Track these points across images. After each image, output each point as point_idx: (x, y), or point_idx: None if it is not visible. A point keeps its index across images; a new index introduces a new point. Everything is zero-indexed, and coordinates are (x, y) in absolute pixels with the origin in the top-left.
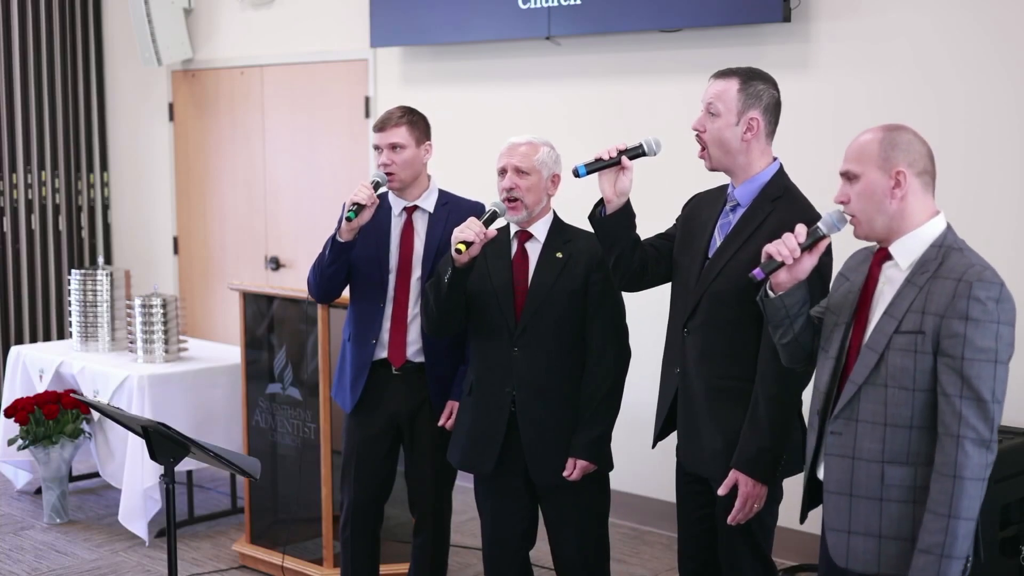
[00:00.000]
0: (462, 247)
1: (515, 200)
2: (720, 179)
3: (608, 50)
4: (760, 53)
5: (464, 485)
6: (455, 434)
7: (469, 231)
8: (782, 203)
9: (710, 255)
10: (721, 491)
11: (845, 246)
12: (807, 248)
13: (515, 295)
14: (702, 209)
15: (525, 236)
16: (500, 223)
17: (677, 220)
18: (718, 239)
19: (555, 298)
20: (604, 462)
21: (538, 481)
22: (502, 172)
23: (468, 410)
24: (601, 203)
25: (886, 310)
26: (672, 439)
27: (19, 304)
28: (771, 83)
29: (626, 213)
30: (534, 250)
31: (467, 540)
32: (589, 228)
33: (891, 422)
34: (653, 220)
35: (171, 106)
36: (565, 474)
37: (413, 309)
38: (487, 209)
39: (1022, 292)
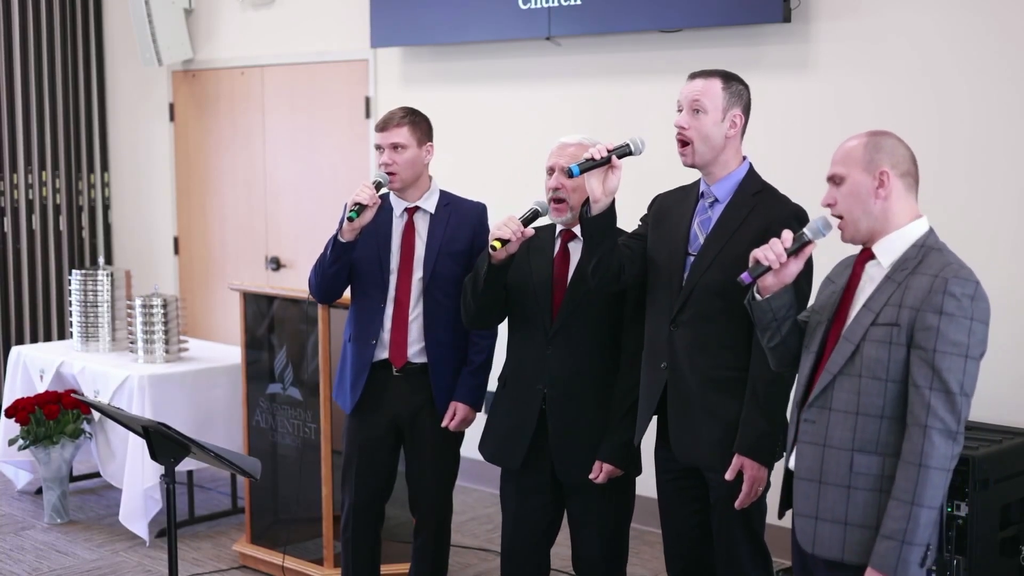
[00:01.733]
0: (497, 244)
1: (560, 201)
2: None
3: (608, 50)
4: (760, 53)
5: (464, 485)
6: (488, 426)
7: (507, 229)
8: (763, 197)
9: (691, 250)
10: (728, 475)
11: (833, 252)
12: (793, 253)
13: (553, 293)
14: (670, 209)
15: (569, 235)
16: (543, 220)
17: (644, 220)
18: (699, 234)
19: (592, 299)
20: (632, 466)
21: (564, 480)
22: (550, 171)
23: (500, 405)
24: (586, 203)
25: (865, 303)
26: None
27: (19, 304)
28: (746, 84)
29: (612, 213)
30: (576, 250)
31: (467, 540)
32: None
33: (863, 411)
34: None
35: (171, 106)
36: (591, 476)
37: (414, 310)
38: (529, 208)
39: (1022, 291)
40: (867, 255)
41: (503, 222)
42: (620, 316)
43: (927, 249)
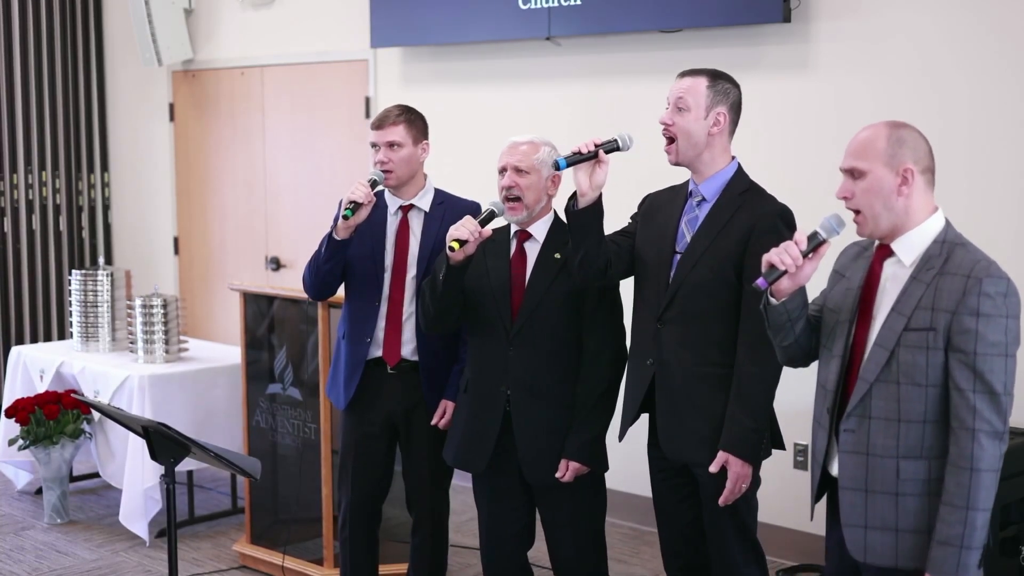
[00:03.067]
0: (456, 245)
1: (515, 200)
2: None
3: (608, 50)
4: (760, 53)
5: (464, 485)
6: (451, 432)
7: (464, 229)
8: (749, 197)
9: (678, 249)
10: (713, 468)
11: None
12: (807, 254)
13: (512, 294)
14: (660, 206)
15: (524, 236)
16: (500, 222)
17: (634, 218)
18: (686, 233)
19: (552, 298)
20: (598, 463)
21: (532, 481)
22: (502, 171)
23: (463, 408)
24: (574, 197)
25: (893, 307)
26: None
27: (20, 304)
28: (735, 84)
29: (598, 207)
30: (533, 250)
31: (467, 540)
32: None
33: (904, 418)
34: None
35: (171, 106)
36: (558, 475)
37: (408, 308)
38: (485, 208)
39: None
40: (885, 252)
41: (460, 223)
42: (580, 314)
43: (950, 245)
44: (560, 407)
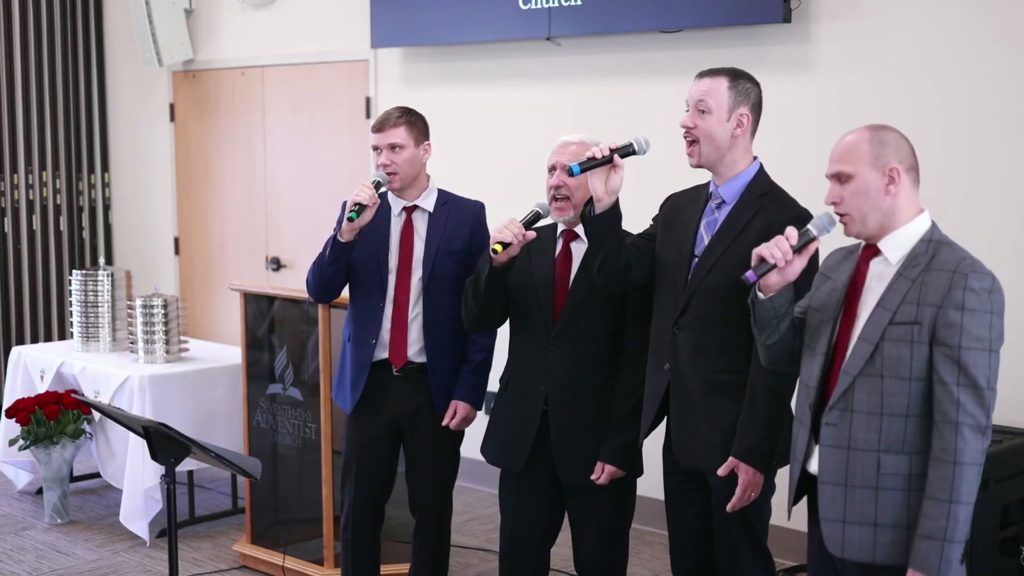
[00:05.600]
0: (499, 247)
1: (563, 199)
2: (702, 177)
3: (608, 50)
4: (760, 53)
5: (464, 485)
6: (490, 429)
7: (508, 232)
8: (769, 199)
9: (696, 252)
10: (721, 471)
11: (826, 242)
12: (798, 250)
13: (555, 294)
14: (682, 208)
15: (571, 235)
16: (546, 221)
17: (655, 220)
18: (705, 236)
19: (594, 300)
20: (633, 467)
21: (565, 481)
22: (551, 170)
23: (503, 406)
24: (590, 202)
25: (878, 302)
26: (659, 440)
27: (20, 304)
28: (755, 82)
29: (615, 212)
30: (579, 250)
31: (468, 540)
32: (635, 231)
33: (887, 411)
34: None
35: (172, 106)
36: (593, 478)
37: (413, 309)
38: (529, 210)
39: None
40: (871, 252)
41: (504, 225)
42: (622, 317)
43: (936, 244)
44: (597, 409)
